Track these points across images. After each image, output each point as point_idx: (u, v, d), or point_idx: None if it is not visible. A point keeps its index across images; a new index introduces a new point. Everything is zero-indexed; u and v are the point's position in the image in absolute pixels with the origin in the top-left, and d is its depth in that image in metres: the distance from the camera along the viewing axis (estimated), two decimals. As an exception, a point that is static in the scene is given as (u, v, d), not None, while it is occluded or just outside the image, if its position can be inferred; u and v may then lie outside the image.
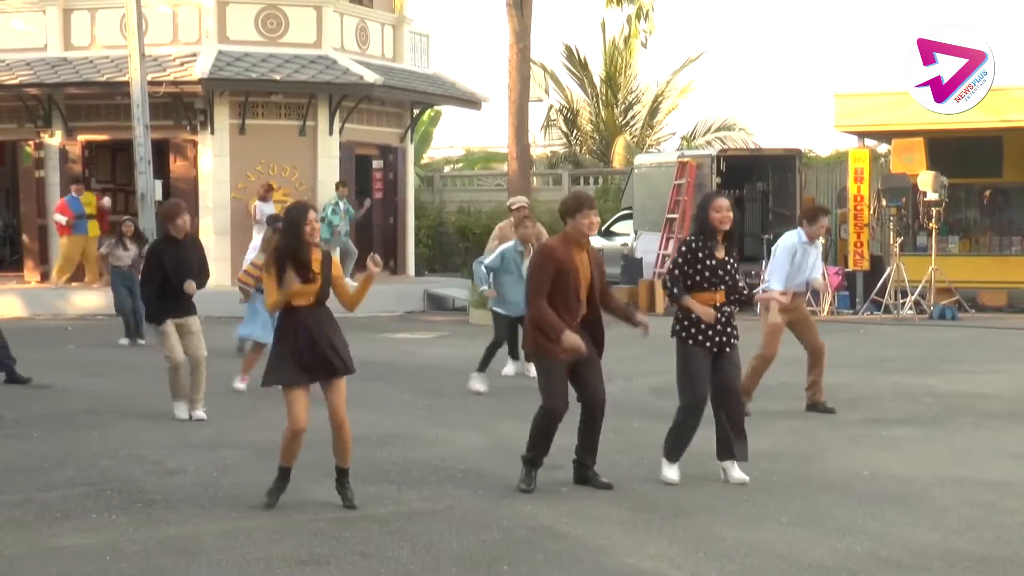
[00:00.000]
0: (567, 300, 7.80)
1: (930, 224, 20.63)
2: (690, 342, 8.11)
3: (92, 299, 20.62)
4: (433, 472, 8.53)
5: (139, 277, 16.55)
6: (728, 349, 8.18)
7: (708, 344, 8.10)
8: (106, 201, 22.51)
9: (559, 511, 7.41)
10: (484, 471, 8.53)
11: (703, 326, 8.11)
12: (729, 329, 8.19)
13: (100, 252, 17.65)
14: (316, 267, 7.53)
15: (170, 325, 10.61)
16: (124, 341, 16.42)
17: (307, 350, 7.46)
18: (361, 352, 15.54)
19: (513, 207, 13.10)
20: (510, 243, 12.52)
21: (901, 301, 20.44)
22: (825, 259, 13.12)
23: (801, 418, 10.76)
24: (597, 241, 24.83)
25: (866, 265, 21.70)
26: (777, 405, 11.20)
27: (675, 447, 8.25)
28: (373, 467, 8.67)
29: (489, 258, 12.57)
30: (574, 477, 8.09)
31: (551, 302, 7.78)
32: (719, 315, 8.12)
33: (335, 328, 7.62)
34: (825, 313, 20.06)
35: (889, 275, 20.54)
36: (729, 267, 8.20)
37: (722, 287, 8.17)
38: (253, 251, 14.36)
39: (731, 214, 8.20)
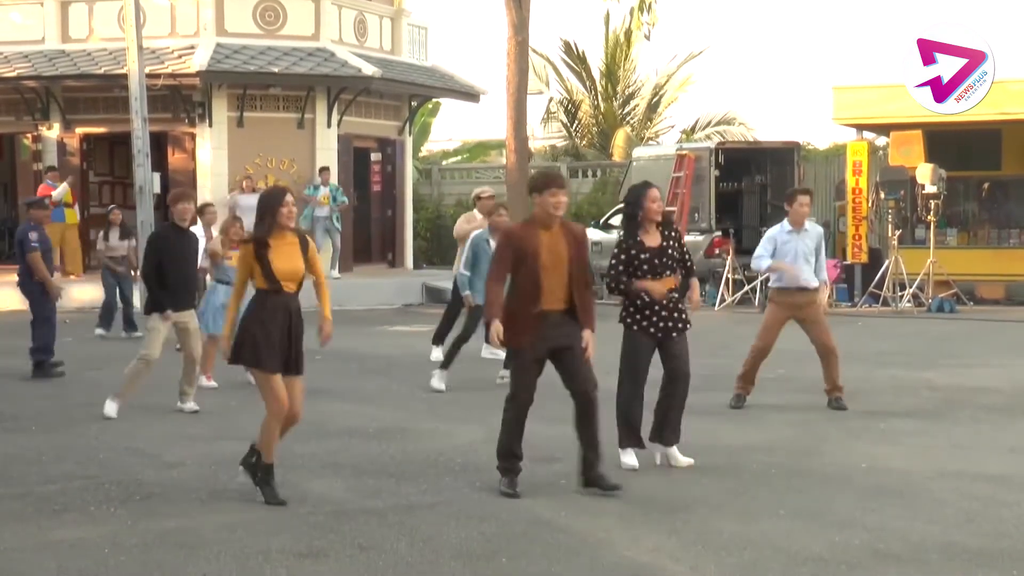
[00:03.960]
0: (530, 284, 7.50)
1: (928, 217, 20.64)
2: (635, 328, 8.27)
3: (90, 292, 20.57)
4: (431, 465, 8.53)
5: (131, 272, 16.62)
6: (675, 335, 8.30)
7: (652, 329, 8.25)
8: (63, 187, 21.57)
9: (557, 504, 7.41)
10: (482, 464, 8.51)
11: (647, 312, 8.23)
12: (676, 315, 8.32)
13: (97, 249, 17.66)
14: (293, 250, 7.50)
15: (162, 320, 10.22)
16: (99, 331, 16.59)
17: (285, 338, 7.46)
18: (359, 345, 15.71)
19: (483, 196, 13.39)
20: (478, 231, 12.44)
21: (899, 294, 20.44)
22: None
23: (799, 411, 10.75)
24: (595, 234, 24.83)
25: (864, 258, 21.69)
26: (775, 398, 11.20)
27: (626, 434, 8.38)
28: (371, 460, 8.69)
29: (462, 262, 12.46)
30: (583, 479, 7.73)
31: (518, 288, 7.58)
32: (668, 297, 8.25)
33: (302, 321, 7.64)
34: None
35: (887, 268, 20.54)
36: (671, 251, 8.30)
37: (667, 273, 8.27)
38: None
39: (663, 203, 8.46)
